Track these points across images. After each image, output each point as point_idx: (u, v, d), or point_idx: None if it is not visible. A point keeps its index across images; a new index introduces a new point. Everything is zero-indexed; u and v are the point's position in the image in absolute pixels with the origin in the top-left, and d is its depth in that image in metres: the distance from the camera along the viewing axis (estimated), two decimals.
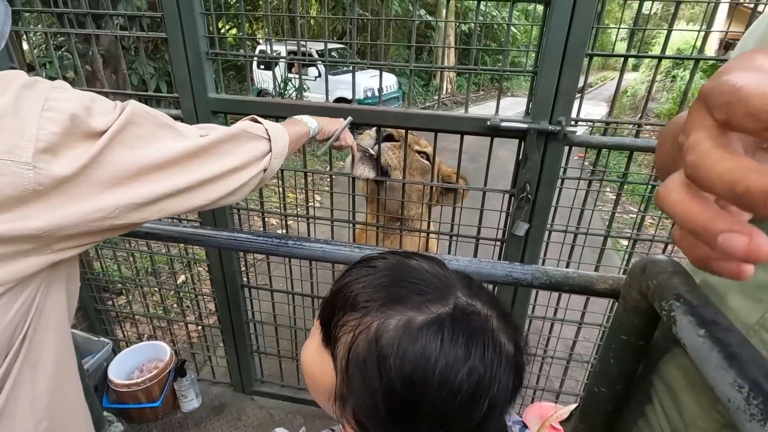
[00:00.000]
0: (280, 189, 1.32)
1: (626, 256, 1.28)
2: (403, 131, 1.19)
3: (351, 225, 1.32)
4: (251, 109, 1.20)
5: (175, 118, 1.26)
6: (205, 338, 1.73)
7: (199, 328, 1.74)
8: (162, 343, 1.68)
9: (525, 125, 1.06)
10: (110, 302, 1.75)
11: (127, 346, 1.74)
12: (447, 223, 1.25)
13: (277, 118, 1.24)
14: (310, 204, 1.33)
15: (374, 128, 1.24)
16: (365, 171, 1.22)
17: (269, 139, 0.65)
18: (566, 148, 1.12)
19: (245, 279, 1.52)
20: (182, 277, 2.28)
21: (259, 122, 0.68)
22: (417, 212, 1.32)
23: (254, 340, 1.65)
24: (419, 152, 1.31)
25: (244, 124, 0.65)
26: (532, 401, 1.53)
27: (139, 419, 1.60)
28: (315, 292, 1.47)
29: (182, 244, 0.81)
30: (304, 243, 0.69)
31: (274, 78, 1.34)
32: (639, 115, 1.09)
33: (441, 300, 0.39)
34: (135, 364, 1.67)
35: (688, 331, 0.42)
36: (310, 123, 0.89)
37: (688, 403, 0.63)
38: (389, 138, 1.25)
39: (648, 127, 1.09)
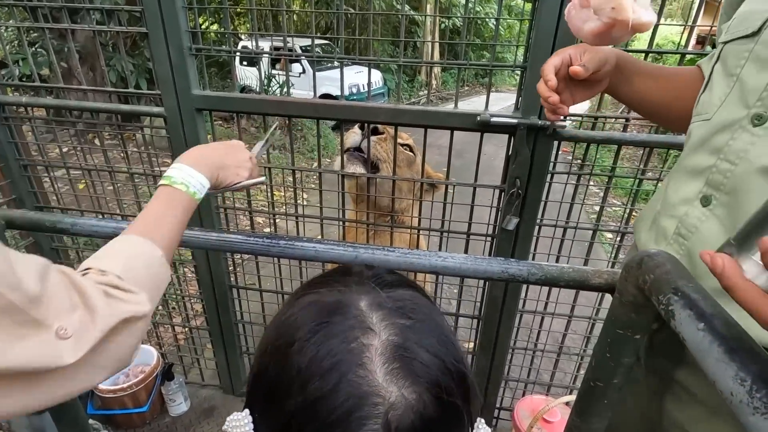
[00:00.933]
0: (267, 187, 1.29)
1: (613, 250, 1.30)
2: (389, 126, 1.18)
3: (341, 223, 1.31)
4: (236, 105, 1.18)
5: (158, 116, 1.23)
6: (193, 340, 1.70)
7: (186, 330, 1.70)
8: (148, 347, 1.65)
9: (515, 121, 1.05)
10: None
11: None
12: (437, 219, 1.25)
13: (264, 117, 1.21)
14: (298, 202, 1.31)
15: (357, 124, 1.23)
16: (356, 168, 1.21)
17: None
18: (555, 143, 1.12)
19: (233, 279, 1.49)
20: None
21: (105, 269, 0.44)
22: (408, 204, 1.31)
23: (243, 341, 1.62)
24: (402, 144, 1.30)
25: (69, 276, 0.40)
26: (523, 395, 1.54)
27: (126, 425, 1.57)
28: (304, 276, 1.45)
29: None
30: (297, 243, 0.68)
31: (260, 74, 1.32)
32: (623, 110, 1.10)
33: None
34: None
35: (687, 326, 0.42)
36: (190, 184, 0.60)
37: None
38: (375, 132, 1.24)
39: (635, 121, 1.10)
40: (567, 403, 1.36)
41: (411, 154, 1.31)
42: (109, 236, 0.72)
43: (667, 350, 0.66)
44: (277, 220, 1.41)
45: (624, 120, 1.09)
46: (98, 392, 1.47)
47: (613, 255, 1.30)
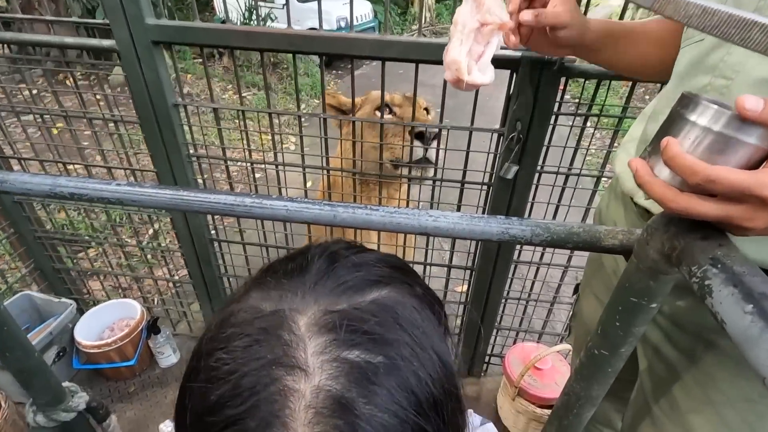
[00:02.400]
0: (243, 134, 1.17)
1: (590, 197, 1.22)
2: (399, 95, 1.05)
3: (325, 171, 1.20)
4: (199, 37, 1.02)
5: (110, 50, 1.07)
6: (178, 294, 1.65)
7: (170, 283, 1.64)
8: (131, 301, 1.60)
9: (518, 54, 0.92)
10: (70, 260, 1.63)
11: (95, 306, 1.65)
12: (431, 167, 1.15)
13: (231, 50, 1.06)
14: (277, 150, 1.19)
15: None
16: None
17: None
18: (562, 81, 1.00)
19: (213, 232, 1.41)
20: (151, 229, 2.15)
21: None
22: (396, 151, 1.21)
23: (229, 292, 1.58)
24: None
25: None
26: (515, 342, 1.54)
27: (116, 377, 1.56)
28: (290, 243, 1.38)
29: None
30: (265, 201, 0.58)
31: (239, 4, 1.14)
32: None
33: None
34: (104, 323, 1.59)
35: (729, 306, 0.34)
36: None
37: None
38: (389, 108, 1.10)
39: None
40: (559, 352, 1.36)
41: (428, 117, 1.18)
42: (45, 194, 0.62)
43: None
44: (256, 171, 1.30)
45: None
46: (82, 348, 1.43)
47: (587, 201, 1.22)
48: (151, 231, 2.06)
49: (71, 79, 1.18)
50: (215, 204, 0.59)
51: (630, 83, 1.00)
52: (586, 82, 1.02)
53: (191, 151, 1.23)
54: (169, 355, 1.60)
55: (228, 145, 1.46)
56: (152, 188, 0.60)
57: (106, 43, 1.06)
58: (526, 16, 0.58)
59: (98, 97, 1.21)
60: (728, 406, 0.58)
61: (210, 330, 0.30)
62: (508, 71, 1.00)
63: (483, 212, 1.22)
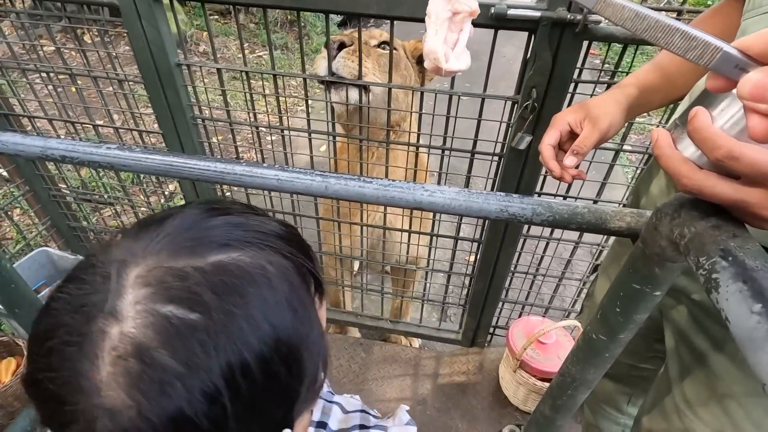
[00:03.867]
0: (247, 97, 1.13)
1: (638, 172, 1.15)
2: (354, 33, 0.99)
3: (331, 138, 1.17)
4: None
5: (109, 5, 1.03)
6: None
7: None
8: None
9: (538, 14, 0.85)
10: (85, 219, 1.66)
11: None
12: (439, 136, 1.10)
13: (246, 8, 1.01)
14: (284, 113, 1.16)
15: (324, 47, 1.02)
16: (346, 94, 1.03)
17: None
18: (584, 44, 0.92)
19: (220, 192, 1.40)
20: (167, 190, 2.17)
21: None
22: (403, 115, 1.16)
23: None
24: (378, 45, 1.09)
25: None
26: (520, 316, 1.53)
27: None
28: (296, 210, 1.37)
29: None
30: (255, 170, 0.56)
31: None
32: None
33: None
34: None
35: (736, 304, 0.31)
36: None
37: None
38: (342, 47, 1.02)
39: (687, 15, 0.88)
40: (565, 327, 1.34)
41: (394, 51, 1.10)
42: (37, 156, 0.61)
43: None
44: (263, 134, 1.28)
45: (675, 13, 0.88)
46: None
47: (634, 179, 1.16)
48: (167, 192, 2.09)
49: (90, 35, 1.16)
50: (204, 171, 0.57)
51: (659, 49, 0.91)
52: (612, 45, 0.94)
53: (196, 113, 1.20)
54: None
55: (239, 108, 1.41)
56: (142, 153, 0.59)
57: None
58: (571, 162, 0.65)
59: (114, 54, 1.18)
60: (735, 400, 0.56)
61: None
62: (527, 33, 0.92)
63: (493, 184, 1.18)
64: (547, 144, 0.66)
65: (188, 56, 1.11)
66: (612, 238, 1.24)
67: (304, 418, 0.43)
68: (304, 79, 1.08)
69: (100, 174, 1.58)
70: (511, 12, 0.85)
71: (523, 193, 1.14)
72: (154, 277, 0.29)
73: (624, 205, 1.47)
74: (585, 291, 1.42)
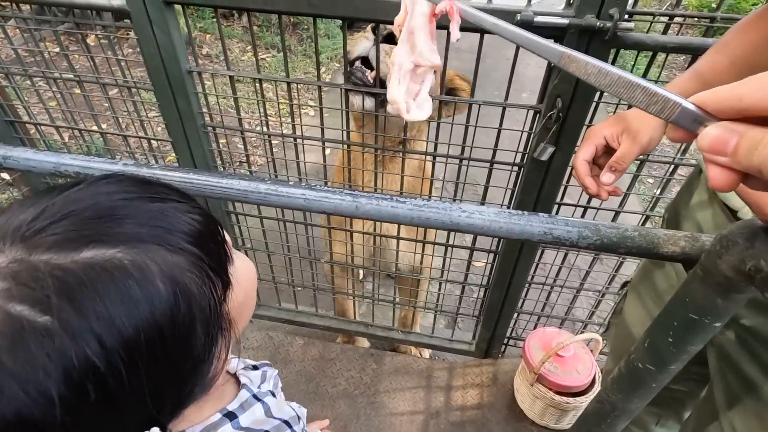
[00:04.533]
0: (260, 104, 1.10)
1: (662, 185, 1.12)
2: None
3: (344, 146, 1.14)
4: None
5: (119, 11, 1.00)
6: None
7: None
8: None
9: (566, 21, 0.82)
10: None
11: None
12: (457, 145, 1.07)
13: (280, 15, 0.98)
14: (296, 120, 1.13)
15: (370, 25, 0.99)
16: (358, 100, 1.01)
17: None
18: (613, 52, 0.89)
19: (231, 205, 1.37)
20: None
21: None
22: (422, 127, 1.13)
23: None
24: None
25: None
26: (535, 327, 1.50)
27: None
28: (308, 219, 1.34)
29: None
30: (281, 188, 0.53)
31: None
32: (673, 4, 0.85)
33: None
34: None
35: None
36: None
37: None
38: (389, 39, 1.00)
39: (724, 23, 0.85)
40: (583, 340, 1.31)
41: (455, 32, 1.07)
42: (49, 172, 0.58)
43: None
44: (275, 138, 1.25)
45: (708, 20, 0.85)
46: None
47: (659, 191, 1.13)
48: None
49: (94, 37, 1.13)
50: (227, 189, 0.54)
51: (691, 57, 0.88)
52: (640, 53, 0.91)
53: (207, 121, 1.17)
54: None
55: (246, 112, 1.38)
56: (160, 170, 0.56)
57: (116, 2, 1.00)
58: (608, 179, 0.61)
59: (122, 61, 1.16)
60: None
61: None
62: (551, 40, 0.89)
63: (512, 195, 1.15)
64: (582, 160, 0.63)
65: (193, 59, 1.08)
66: None
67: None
68: (319, 87, 1.05)
69: None
70: (538, 19, 0.82)
71: (544, 203, 1.11)
72: (11, 270, 0.28)
73: (647, 218, 1.44)
74: (603, 303, 1.39)
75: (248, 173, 1.26)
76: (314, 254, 1.44)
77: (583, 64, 0.34)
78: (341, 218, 1.28)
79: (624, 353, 0.89)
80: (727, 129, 0.28)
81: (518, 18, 0.82)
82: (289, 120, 1.14)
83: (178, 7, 1.01)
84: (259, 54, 6.72)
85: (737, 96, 0.27)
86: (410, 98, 0.52)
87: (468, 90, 1.07)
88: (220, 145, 1.24)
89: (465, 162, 1.10)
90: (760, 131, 0.26)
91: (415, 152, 1.12)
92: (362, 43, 1.02)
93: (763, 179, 0.26)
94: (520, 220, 0.49)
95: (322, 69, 6.06)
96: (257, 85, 1.09)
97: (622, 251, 0.48)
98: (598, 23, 0.81)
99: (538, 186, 1.08)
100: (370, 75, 1.01)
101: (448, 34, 0.91)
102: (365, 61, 1.02)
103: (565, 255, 1.27)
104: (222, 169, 1.28)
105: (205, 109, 1.17)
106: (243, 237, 1.47)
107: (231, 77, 1.10)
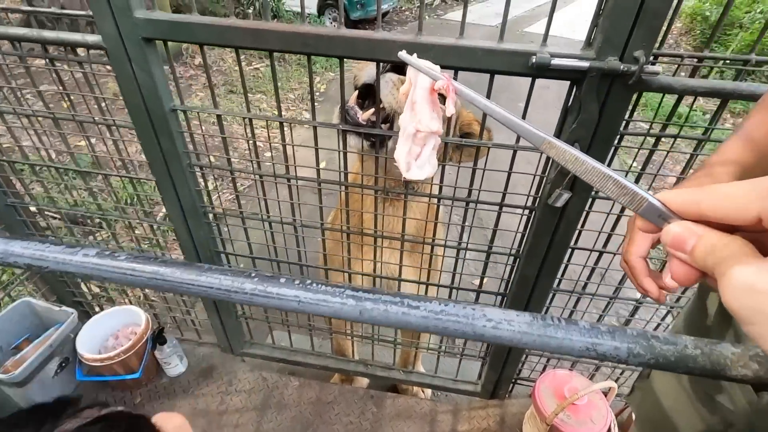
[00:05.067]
0: (251, 142, 1.02)
1: None
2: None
3: (342, 188, 1.06)
4: (200, 34, 0.86)
5: (95, 48, 0.92)
6: (185, 302, 1.56)
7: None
8: (135, 308, 1.51)
9: (586, 64, 0.74)
10: None
11: (101, 310, 1.57)
12: (464, 188, 0.99)
13: (271, 53, 0.90)
14: (289, 161, 1.05)
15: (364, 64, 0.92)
16: (356, 141, 0.93)
17: None
18: (635, 95, 0.82)
19: (221, 245, 1.28)
20: (161, 213, 2.04)
21: None
22: None
23: (240, 307, 1.47)
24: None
25: None
26: (544, 369, 1.42)
27: (121, 388, 1.49)
28: (303, 260, 1.25)
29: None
30: (270, 288, 0.45)
31: None
32: (706, 47, 0.77)
33: None
34: (108, 331, 1.50)
35: None
36: None
37: None
38: (398, 68, 0.92)
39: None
40: (600, 390, 1.23)
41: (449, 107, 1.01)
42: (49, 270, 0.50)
43: None
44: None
45: (741, 63, 0.77)
46: (84, 360, 1.36)
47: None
48: (159, 215, 1.96)
49: (69, 74, 1.05)
50: (206, 288, 0.45)
51: (719, 100, 0.81)
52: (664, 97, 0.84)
53: (193, 161, 1.09)
54: (176, 365, 1.53)
55: (234, 148, 1.27)
56: (127, 261, 0.47)
57: (91, 38, 0.91)
58: (672, 283, 0.41)
59: (102, 99, 1.07)
60: None
61: None
62: (568, 82, 0.82)
63: (522, 238, 1.07)
64: (638, 257, 0.49)
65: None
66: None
67: None
68: (314, 127, 0.97)
69: (87, 199, 1.46)
70: (556, 62, 0.74)
71: (557, 248, 1.03)
72: None
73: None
74: (638, 312, 1.29)
75: (239, 213, 1.17)
76: None
77: (562, 151, 0.35)
78: (338, 254, 1.20)
79: (652, 425, 0.81)
80: (688, 229, 0.30)
81: (534, 61, 0.75)
82: (287, 164, 1.06)
83: (159, 42, 0.92)
84: (254, 63, 6.60)
85: (696, 201, 0.29)
86: (412, 158, 0.54)
87: (487, 137, 0.98)
88: (210, 185, 1.15)
89: (472, 205, 1.02)
90: (716, 236, 0.28)
91: (418, 194, 1.04)
92: (370, 69, 0.95)
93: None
94: (557, 333, 0.41)
95: (317, 79, 5.97)
96: (246, 126, 1.01)
97: (682, 371, 0.40)
98: (621, 67, 0.73)
99: (551, 231, 1.00)
100: (362, 116, 0.94)
101: (455, 76, 0.84)
102: (372, 88, 0.94)
103: (578, 299, 1.20)
104: (211, 210, 1.19)
105: (191, 147, 1.08)
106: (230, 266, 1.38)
107: (219, 117, 1.02)
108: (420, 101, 0.50)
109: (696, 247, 0.29)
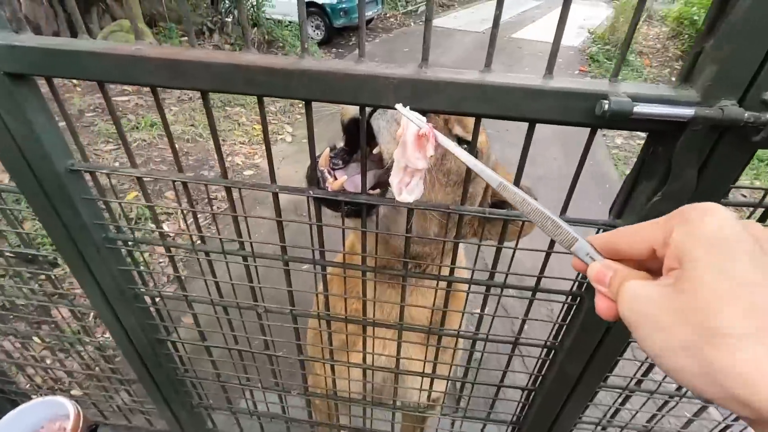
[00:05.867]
0: (182, 214, 0.73)
1: None
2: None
3: (317, 268, 0.77)
4: (93, 68, 0.57)
5: None
6: (128, 392, 1.25)
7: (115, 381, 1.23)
8: (62, 399, 1.19)
9: (690, 111, 0.47)
10: None
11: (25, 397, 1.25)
12: (483, 270, 0.71)
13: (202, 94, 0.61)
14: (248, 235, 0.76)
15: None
16: (332, 212, 0.66)
17: None
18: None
19: (164, 330, 0.98)
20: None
21: None
22: (437, 247, 0.77)
23: (196, 396, 1.17)
24: (462, 141, 0.74)
25: None
26: None
27: None
28: (271, 349, 0.96)
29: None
30: None
31: None
32: None
33: None
34: (30, 427, 1.19)
35: None
36: None
37: None
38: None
39: None
40: None
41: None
42: None
43: None
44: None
45: None
46: None
47: None
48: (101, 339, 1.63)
49: None
50: None
51: None
52: None
53: (110, 234, 0.79)
54: None
55: (167, 217, 0.97)
56: None
57: None
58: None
59: None
60: None
61: None
62: (640, 134, 0.55)
63: (559, 330, 0.80)
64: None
65: (71, 159, 0.70)
66: None
67: None
68: (275, 193, 0.68)
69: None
70: (642, 110, 0.47)
71: (613, 341, 0.76)
72: None
73: None
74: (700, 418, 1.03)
75: (182, 296, 0.87)
76: (281, 377, 1.06)
77: (512, 193, 0.41)
78: (321, 345, 0.91)
79: None
80: (606, 265, 0.36)
81: (606, 108, 0.47)
82: (241, 240, 0.77)
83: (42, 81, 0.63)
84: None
85: (611, 242, 0.37)
86: (403, 185, 0.52)
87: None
88: (146, 257, 0.86)
89: (494, 290, 0.75)
90: (626, 270, 0.35)
91: (427, 277, 0.76)
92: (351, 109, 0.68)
93: None
94: None
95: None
96: (179, 186, 0.72)
97: None
98: (746, 116, 0.46)
99: (603, 327, 0.73)
100: (333, 185, 0.66)
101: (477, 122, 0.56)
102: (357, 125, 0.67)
103: (627, 397, 0.92)
104: (146, 292, 0.89)
105: (107, 216, 0.79)
106: (185, 367, 1.08)
107: (139, 179, 0.72)
108: (409, 144, 0.48)
109: (612, 279, 0.35)
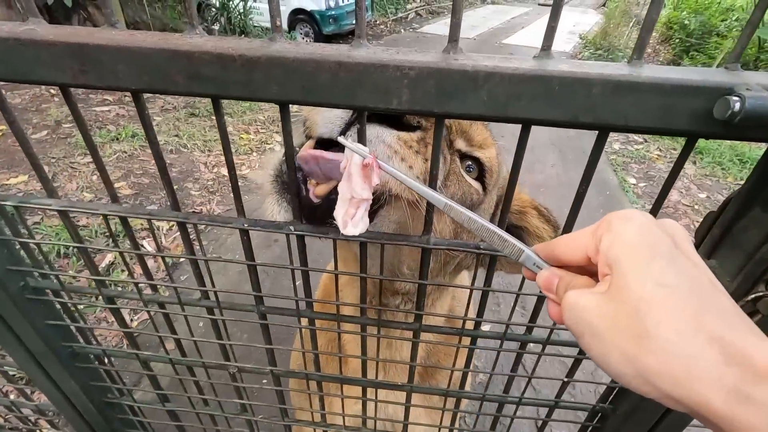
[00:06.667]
0: (125, 256, 0.55)
1: None
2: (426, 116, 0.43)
3: (301, 321, 0.59)
4: (41, 65, 0.39)
5: None
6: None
7: None
8: None
9: None
10: None
11: None
12: (492, 322, 0.54)
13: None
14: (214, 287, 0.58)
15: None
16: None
17: None
18: None
19: (116, 392, 0.79)
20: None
21: None
22: (436, 279, 0.60)
23: None
24: (466, 156, 0.57)
25: None
26: None
27: None
28: (249, 413, 0.77)
29: None
30: None
31: None
32: None
33: None
34: None
35: None
36: None
37: None
38: (396, 122, 0.50)
39: None
40: None
41: (475, 184, 0.60)
42: None
43: None
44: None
45: None
46: None
47: None
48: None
49: None
50: None
51: None
52: None
53: (34, 282, 0.61)
54: None
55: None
56: None
57: None
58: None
59: None
60: None
61: None
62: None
63: (611, 390, 0.62)
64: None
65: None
66: None
67: None
68: (245, 231, 0.50)
69: None
70: None
71: (680, 416, 0.59)
72: None
73: None
74: None
75: (134, 355, 0.69)
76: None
77: (458, 212, 0.41)
78: (307, 406, 0.73)
79: None
80: (552, 272, 0.37)
81: (737, 107, 0.31)
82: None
83: None
84: None
85: (553, 250, 0.37)
86: (348, 218, 0.49)
87: (549, 235, 0.56)
88: (73, 314, 0.67)
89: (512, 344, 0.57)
90: (570, 276, 0.36)
91: (423, 329, 0.59)
92: (328, 113, 0.51)
93: None
94: None
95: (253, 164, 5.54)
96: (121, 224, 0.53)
97: None
98: None
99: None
100: (316, 190, 0.50)
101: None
102: (330, 145, 0.50)
103: None
104: (86, 349, 0.70)
105: (26, 258, 0.60)
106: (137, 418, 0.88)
107: (63, 212, 0.54)
108: (354, 174, 0.45)
109: (558, 285, 0.36)
